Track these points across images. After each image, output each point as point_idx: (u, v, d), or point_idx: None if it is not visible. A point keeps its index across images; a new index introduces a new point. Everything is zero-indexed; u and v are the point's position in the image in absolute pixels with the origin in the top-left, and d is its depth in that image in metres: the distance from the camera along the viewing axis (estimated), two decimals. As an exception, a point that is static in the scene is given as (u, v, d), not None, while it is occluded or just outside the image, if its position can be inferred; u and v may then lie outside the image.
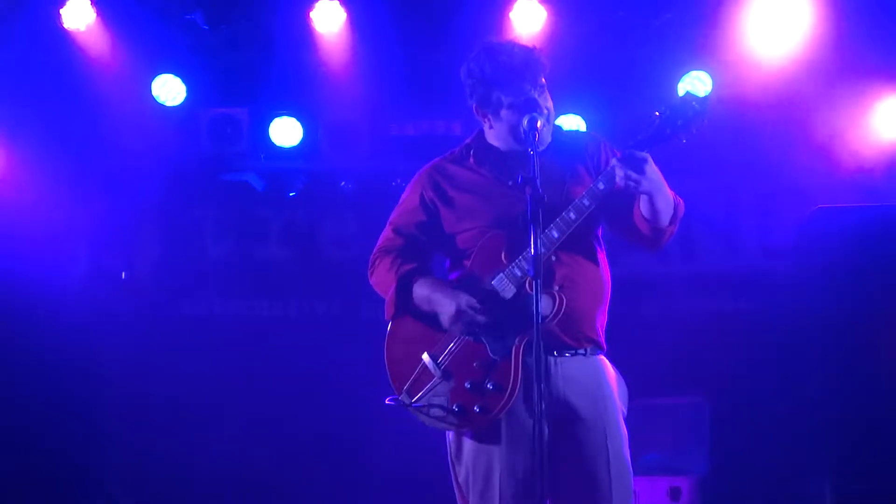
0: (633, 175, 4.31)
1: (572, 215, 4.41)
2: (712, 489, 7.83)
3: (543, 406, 4.05)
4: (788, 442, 8.01)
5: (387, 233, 4.83)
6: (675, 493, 7.71)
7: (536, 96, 4.54)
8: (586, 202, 4.41)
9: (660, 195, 4.45)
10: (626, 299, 8.15)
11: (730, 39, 7.85)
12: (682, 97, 4.37)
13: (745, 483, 8.12)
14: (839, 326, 7.61)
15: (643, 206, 4.50)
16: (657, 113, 4.36)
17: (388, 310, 4.69)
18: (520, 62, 4.54)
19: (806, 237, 8.00)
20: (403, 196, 4.85)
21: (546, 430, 4.08)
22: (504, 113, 4.60)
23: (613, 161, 4.39)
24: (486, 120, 4.69)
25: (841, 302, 7.60)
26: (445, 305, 4.50)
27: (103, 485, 8.90)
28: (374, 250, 4.83)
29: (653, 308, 8.73)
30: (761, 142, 8.34)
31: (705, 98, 4.40)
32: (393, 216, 4.85)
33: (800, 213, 8.16)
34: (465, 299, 4.46)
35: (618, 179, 4.35)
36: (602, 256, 4.69)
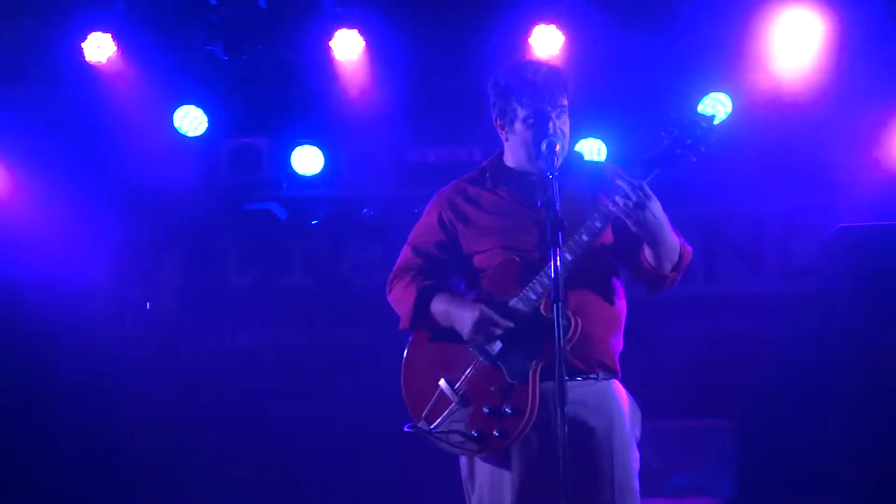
0: (633, 201, 4.26)
1: (584, 237, 4.38)
2: (739, 511, 7.80)
3: (567, 430, 4.04)
4: (814, 464, 7.97)
5: (405, 252, 4.85)
6: (702, 516, 7.68)
7: (553, 115, 4.53)
8: (598, 224, 4.38)
9: (659, 241, 4.41)
10: (650, 321, 8.19)
11: (749, 60, 7.84)
12: (690, 116, 4.34)
13: (772, 505, 8.09)
14: (864, 347, 7.59)
15: (645, 249, 4.49)
16: (663, 133, 4.34)
17: (404, 321, 4.70)
18: (541, 79, 4.54)
19: (828, 257, 7.98)
20: (423, 216, 4.86)
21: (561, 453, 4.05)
22: (518, 126, 4.60)
23: (619, 181, 4.32)
24: (503, 132, 4.70)
25: (865, 322, 7.57)
26: (466, 316, 4.48)
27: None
28: (394, 269, 4.85)
29: (676, 330, 8.70)
30: (783, 162, 8.31)
31: (713, 116, 4.36)
32: (411, 236, 4.87)
33: (823, 233, 8.14)
34: (485, 309, 4.45)
35: (613, 206, 4.32)
36: (618, 285, 4.66)
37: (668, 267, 4.52)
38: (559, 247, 4.13)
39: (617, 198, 4.30)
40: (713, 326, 8.79)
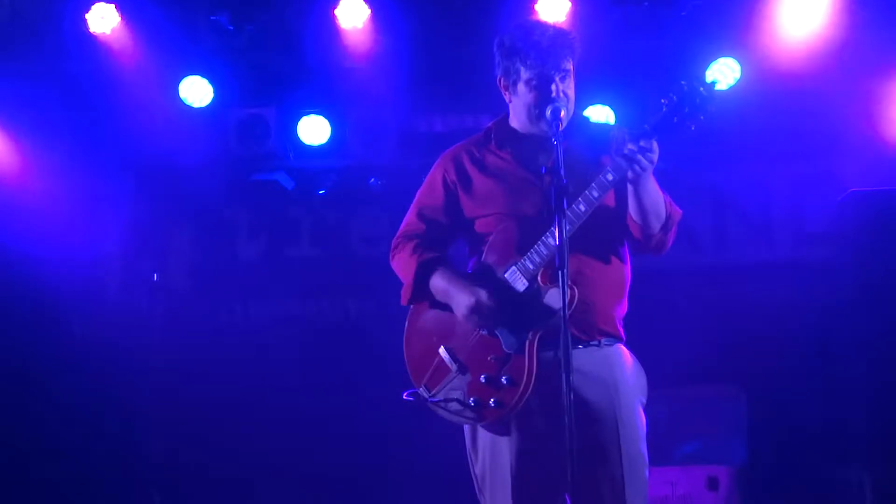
0: (645, 156, 4.26)
1: (582, 207, 4.35)
2: (750, 478, 7.78)
3: (572, 397, 4.02)
4: (826, 430, 7.96)
5: (410, 217, 4.84)
6: (713, 483, 7.66)
7: (556, 78, 4.49)
8: (595, 193, 4.35)
9: (646, 192, 4.40)
10: (662, 290, 8.18)
11: (758, 25, 7.78)
12: (690, 83, 4.27)
13: (783, 472, 8.07)
14: (876, 313, 7.54)
15: (631, 205, 4.46)
16: (663, 100, 4.28)
17: (405, 295, 4.71)
18: (547, 41, 4.51)
19: (839, 223, 7.93)
20: (427, 179, 4.85)
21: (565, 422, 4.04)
22: (521, 88, 4.57)
23: (630, 146, 4.31)
24: (506, 93, 4.67)
25: (877, 287, 7.53)
26: (463, 299, 4.47)
27: (139, 485, 8.92)
28: (398, 234, 4.84)
29: (687, 299, 8.67)
30: (792, 127, 8.27)
31: (713, 83, 4.29)
32: (416, 199, 4.86)
33: (833, 198, 8.09)
34: (483, 294, 4.43)
35: (626, 156, 4.29)
36: (620, 250, 4.62)
37: (656, 225, 4.50)
38: (563, 213, 4.11)
39: (627, 149, 4.29)
40: (724, 294, 8.76)
